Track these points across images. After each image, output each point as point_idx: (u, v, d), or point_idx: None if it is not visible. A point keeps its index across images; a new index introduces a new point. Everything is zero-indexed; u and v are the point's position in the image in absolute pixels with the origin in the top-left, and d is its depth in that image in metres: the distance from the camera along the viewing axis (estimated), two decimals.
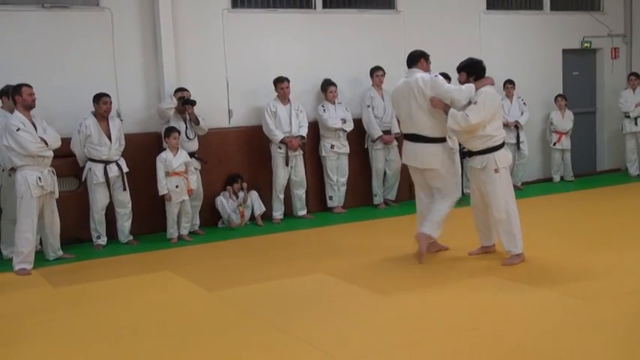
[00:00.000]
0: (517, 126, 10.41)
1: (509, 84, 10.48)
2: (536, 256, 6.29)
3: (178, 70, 8.44)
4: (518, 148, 10.43)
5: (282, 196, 8.85)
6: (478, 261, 6.30)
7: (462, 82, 6.29)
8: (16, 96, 6.77)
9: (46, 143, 6.81)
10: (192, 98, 8.13)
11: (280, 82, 8.69)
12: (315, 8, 9.50)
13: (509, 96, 10.45)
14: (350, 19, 9.68)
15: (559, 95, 11.01)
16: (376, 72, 9.33)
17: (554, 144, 10.95)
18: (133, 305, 5.54)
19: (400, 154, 7.15)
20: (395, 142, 9.18)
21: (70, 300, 5.79)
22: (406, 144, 6.51)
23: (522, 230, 6.18)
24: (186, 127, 8.16)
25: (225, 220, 8.52)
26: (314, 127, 9.11)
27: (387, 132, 9.31)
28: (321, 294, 5.59)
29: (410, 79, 6.31)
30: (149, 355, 4.39)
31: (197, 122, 8.18)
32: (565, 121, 10.94)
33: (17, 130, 6.66)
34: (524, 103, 10.52)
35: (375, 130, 9.25)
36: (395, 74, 9.64)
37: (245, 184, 8.67)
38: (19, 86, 6.79)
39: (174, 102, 8.07)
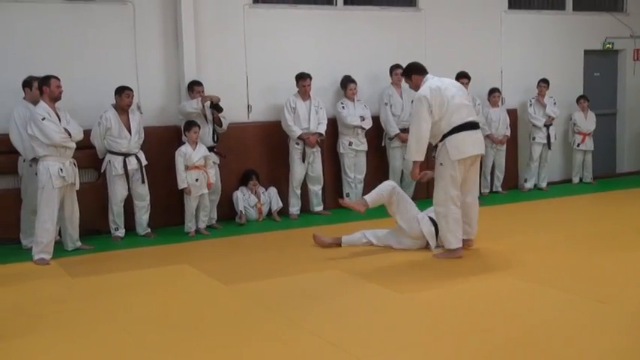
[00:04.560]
0: (547, 125, 10.36)
1: (543, 83, 10.41)
2: (553, 258, 6.28)
3: (199, 64, 8.48)
4: (549, 147, 10.41)
5: (298, 192, 8.86)
6: (495, 260, 6.29)
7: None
8: (44, 86, 6.84)
9: (70, 134, 6.88)
10: (219, 104, 8.06)
11: (302, 79, 8.69)
12: (336, 5, 9.51)
13: (542, 95, 10.39)
14: (371, 17, 9.67)
15: (581, 97, 10.92)
16: (395, 70, 9.29)
17: (578, 145, 10.87)
18: (150, 297, 5.58)
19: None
20: None
21: (87, 290, 5.84)
22: (468, 133, 6.35)
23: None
24: (213, 131, 8.14)
25: (237, 217, 8.54)
26: (333, 123, 9.11)
27: (404, 130, 9.28)
28: (337, 290, 5.59)
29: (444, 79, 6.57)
30: (164, 347, 4.42)
31: (220, 124, 8.20)
32: (588, 122, 10.86)
33: (43, 120, 6.72)
34: (555, 103, 10.47)
35: (392, 127, 9.24)
36: None
37: (257, 183, 8.68)
38: (48, 77, 6.86)
39: (199, 106, 7.99)
